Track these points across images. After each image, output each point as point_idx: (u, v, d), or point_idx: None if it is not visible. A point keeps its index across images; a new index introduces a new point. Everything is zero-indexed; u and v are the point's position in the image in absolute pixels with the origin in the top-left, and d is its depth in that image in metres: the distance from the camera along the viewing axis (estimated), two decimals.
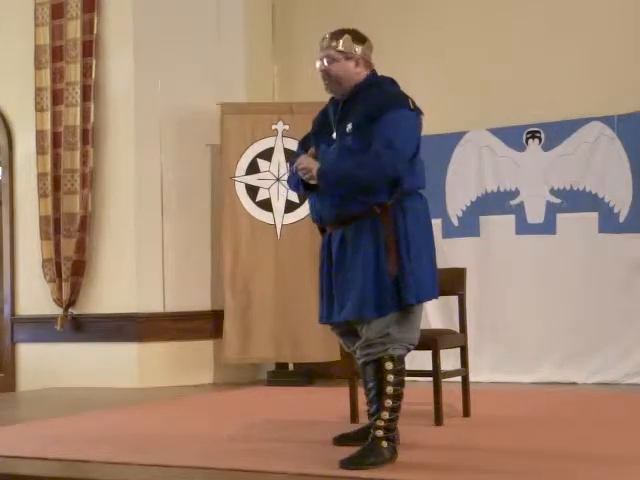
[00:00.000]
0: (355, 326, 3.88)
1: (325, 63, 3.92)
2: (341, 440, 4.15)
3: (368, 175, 3.72)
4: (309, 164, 3.85)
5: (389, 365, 3.77)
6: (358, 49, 3.92)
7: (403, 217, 3.77)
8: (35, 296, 7.62)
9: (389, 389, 3.77)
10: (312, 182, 3.85)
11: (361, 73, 3.92)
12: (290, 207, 7.18)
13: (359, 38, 3.95)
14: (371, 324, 3.79)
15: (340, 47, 3.91)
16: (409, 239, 3.75)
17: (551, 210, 6.78)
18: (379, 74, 4.00)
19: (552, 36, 6.92)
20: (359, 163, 3.73)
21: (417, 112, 3.85)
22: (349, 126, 3.82)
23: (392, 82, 3.98)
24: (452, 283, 5.00)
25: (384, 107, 3.76)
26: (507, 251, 6.87)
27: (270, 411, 5.56)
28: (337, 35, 3.93)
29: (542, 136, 6.84)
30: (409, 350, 3.87)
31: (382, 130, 3.72)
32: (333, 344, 6.54)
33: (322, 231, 4.03)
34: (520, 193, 6.90)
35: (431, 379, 4.70)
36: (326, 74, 3.93)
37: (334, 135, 3.89)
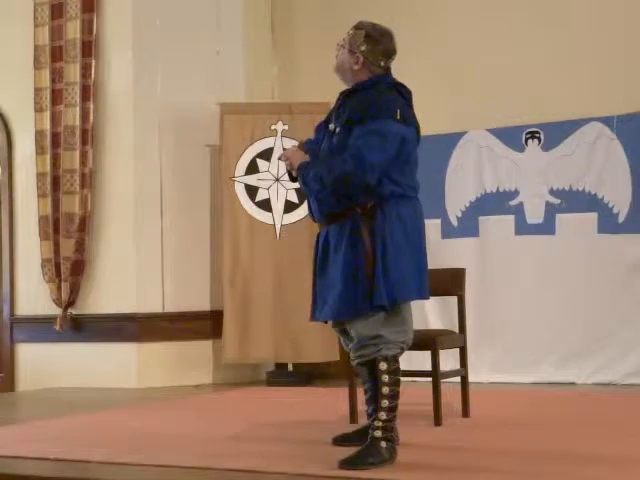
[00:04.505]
0: (345, 326, 3.90)
1: (337, 49, 3.98)
2: (340, 440, 4.15)
3: (335, 180, 3.73)
4: (293, 159, 3.92)
5: (383, 365, 3.78)
6: (363, 47, 3.89)
7: (383, 219, 3.76)
8: (34, 296, 7.62)
9: (385, 389, 3.77)
10: (294, 174, 3.95)
11: (360, 73, 3.91)
12: (289, 207, 7.18)
13: (373, 38, 3.90)
14: (356, 325, 3.80)
15: (348, 39, 3.93)
16: (386, 241, 3.74)
17: (550, 210, 6.78)
18: (390, 76, 3.95)
19: (552, 37, 6.92)
20: (329, 169, 3.76)
21: (404, 122, 3.79)
22: (338, 127, 3.85)
23: (393, 87, 3.89)
24: (451, 283, 5.00)
25: (364, 115, 3.74)
26: (506, 251, 6.87)
27: (269, 411, 5.56)
28: (356, 26, 3.96)
29: (541, 136, 6.84)
30: (403, 350, 3.87)
31: (355, 138, 3.73)
32: (332, 344, 6.57)
33: None
34: (519, 193, 6.90)
35: (430, 379, 4.70)
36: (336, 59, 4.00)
37: (331, 126, 3.92)
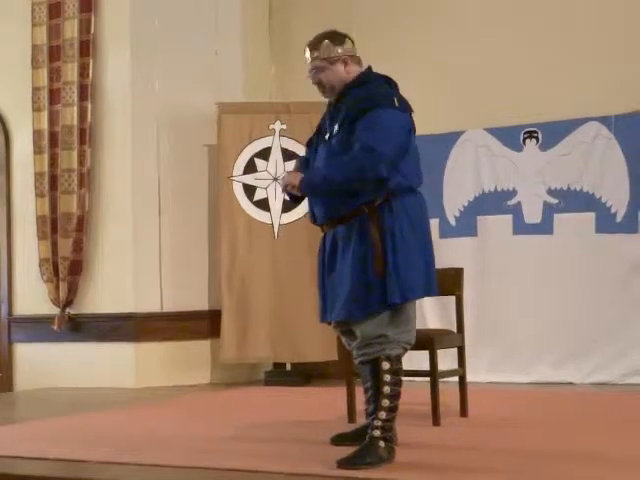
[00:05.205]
0: (350, 326, 3.89)
1: (315, 74, 3.97)
2: (338, 440, 4.16)
3: (347, 179, 3.73)
4: (292, 180, 3.90)
5: (386, 365, 3.78)
6: (340, 50, 3.93)
7: (391, 216, 3.77)
8: (32, 296, 7.61)
9: (386, 389, 3.78)
10: (299, 194, 3.93)
11: (352, 72, 3.95)
12: (287, 207, 7.17)
13: (337, 39, 3.96)
14: (363, 324, 3.80)
15: (322, 55, 3.93)
16: (396, 238, 3.75)
17: (548, 210, 6.78)
18: (374, 71, 4.01)
19: (549, 36, 6.93)
20: (338, 167, 3.76)
21: (402, 109, 3.84)
22: (336, 127, 3.87)
23: (382, 80, 3.96)
24: (449, 283, 5.00)
25: (364, 108, 3.77)
26: (504, 251, 6.87)
27: (267, 411, 5.56)
28: (315, 44, 3.96)
29: (539, 136, 6.84)
30: (406, 350, 3.88)
31: (361, 132, 3.74)
32: (330, 344, 6.56)
33: (323, 231, 4.04)
34: (517, 193, 6.90)
35: (428, 379, 4.70)
36: (318, 84, 4.00)
37: (327, 136, 3.93)
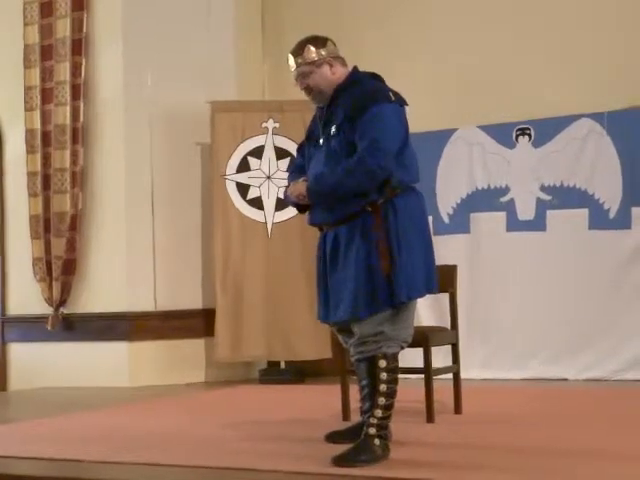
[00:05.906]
0: (350, 324, 3.89)
1: (301, 80, 3.96)
2: (333, 438, 4.15)
3: (357, 182, 3.72)
4: (302, 189, 3.88)
5: (382, 363, 3.78)
6: (324, 52, 3.93)
7: (394, 215, 3.77)
8: (26, 295, 7.61)
9: (382, 387, 3.78)
10: (309, 201, 3.91)
11: (338, 73, 3.95)
12: (281, 205, 7.17)
13: (319, 42, 3.96)
14: (363, 321, 3.80)
15: (307, 59, 3.92)
16: (400, 237, 3.75)
17: (541, 207, 6.79)
18: (360, 70, 4.01)
19: (542, 34, 6.94)
20: (347, 171, 3.74)
21: (399, 103, 3.85)
22: (333, 129, 3.86)
23: (372, 77, 3.97)
24: (443, 281, 4.96)
25: (363, 105, 3.76)
26: (497, 248, 6.88)
27: (262, 409, 5.57)
28: (298, 50, 3.95)
29: (532, 133, 6.85)
30: (402, 348, 3.88)
31: (364, 130, 3.74)
32: (324, 342, 6.58)
33: (321, 229, 4.03)
34: (510, 190, 6.91)
35: (422, 376, 4.71)
36: (307, 90, 3.98)
37: (321, 141, 3.92)
